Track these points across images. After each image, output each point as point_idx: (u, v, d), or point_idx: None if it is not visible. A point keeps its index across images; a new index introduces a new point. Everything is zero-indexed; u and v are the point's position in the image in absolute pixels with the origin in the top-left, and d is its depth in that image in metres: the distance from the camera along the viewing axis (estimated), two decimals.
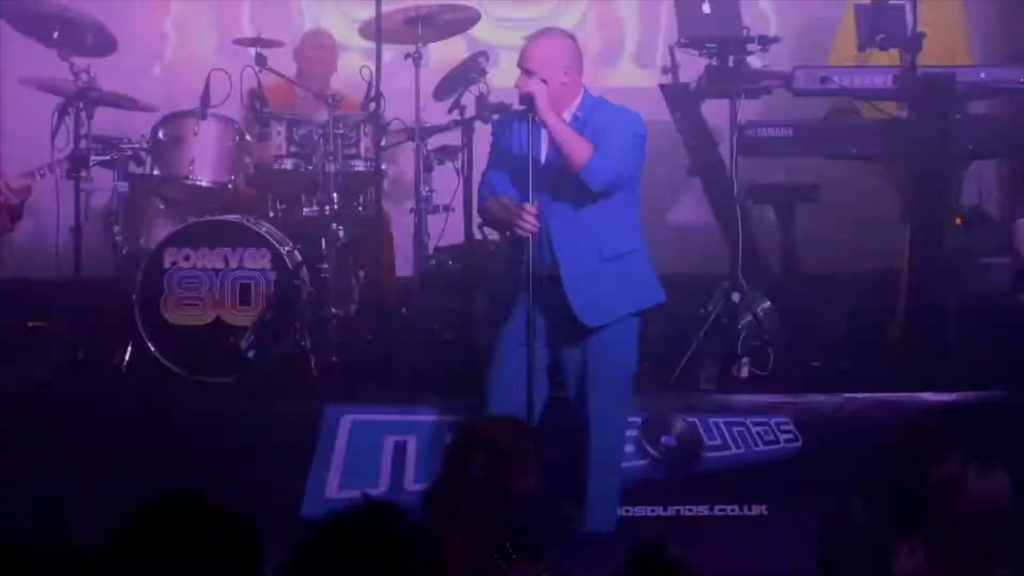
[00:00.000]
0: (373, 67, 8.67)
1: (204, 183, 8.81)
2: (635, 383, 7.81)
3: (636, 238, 7.72)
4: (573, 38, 7.90)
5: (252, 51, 8.96)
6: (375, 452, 8.16)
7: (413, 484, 8.19)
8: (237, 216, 8.74)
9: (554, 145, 7.64)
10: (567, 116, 7.60)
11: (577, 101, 7.61)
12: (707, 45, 8.84)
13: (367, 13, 8.97)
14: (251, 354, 8.51)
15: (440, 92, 8.93)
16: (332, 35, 10.15)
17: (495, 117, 8.56)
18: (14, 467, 8.22)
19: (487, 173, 7.87)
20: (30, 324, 9.36)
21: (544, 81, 7.55)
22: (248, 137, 8.93)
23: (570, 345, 7.60)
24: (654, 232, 8.24)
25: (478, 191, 8.02)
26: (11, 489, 8.14)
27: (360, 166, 8.84)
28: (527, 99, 7.39)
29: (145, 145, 8.77)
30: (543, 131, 7.61)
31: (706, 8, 8.87)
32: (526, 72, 7.56)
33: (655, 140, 8.29)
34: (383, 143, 8.84)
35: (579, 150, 7.48)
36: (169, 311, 8.51)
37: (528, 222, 7.36)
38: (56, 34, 8.80)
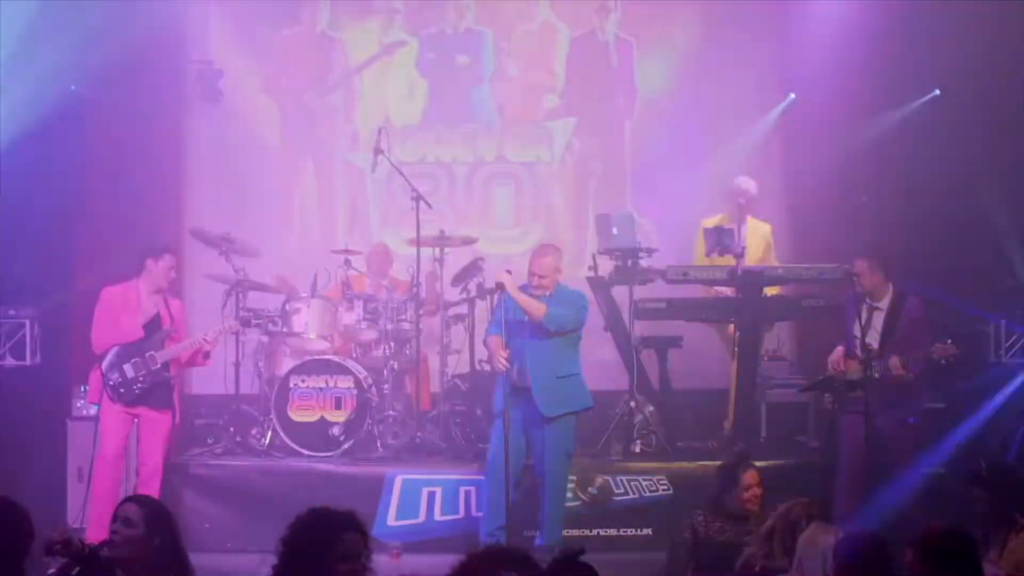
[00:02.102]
0: (415, 267, 9.58)
1: (313, 337, 9.65)
2: (572, 454, 8.51)
3: (577, 366, 8.48)
4: (559, 251, 8.67)
5: (343, 257, 9.92)
6: (416, 497, 8.90)
7: (440, 517, 8.83)
8: (333, 356, 9.61)
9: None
10: (548, 294, 8.29)
11: (554, 286, 8.42)
12: (615, 253, 9.55)
13: (411, 233, 9.68)
14: (342, 439, 9.30)
15: (455, 281, 9.86)
16: (388, 246, 10.80)
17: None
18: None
19: (491, 324, 8.60)
20: (209, 422, 9.93)
21: (541, 276, 8.20)
22: (340, 309, 9.70)
23: (535, 429, 8.35)
24: (589, 363, 8.74)
25: (485, 331, 8.70)
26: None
27: (407, 326, 9.66)
28: (499, 286, 8.31)
29: (278, 314, 9.60)
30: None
31: (614, 231, 9.56)
32: (535, 276, 8.34)
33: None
34: (421, 312, 9.64)
35: (537, 310, 8.27)
36: (292, 412, 9.35)
37: (500, 362, 8.22)
38: (224, 247, 9.54)
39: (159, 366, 8.78)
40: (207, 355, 9.07)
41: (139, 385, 8.75)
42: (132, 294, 8.90)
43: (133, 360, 8.75)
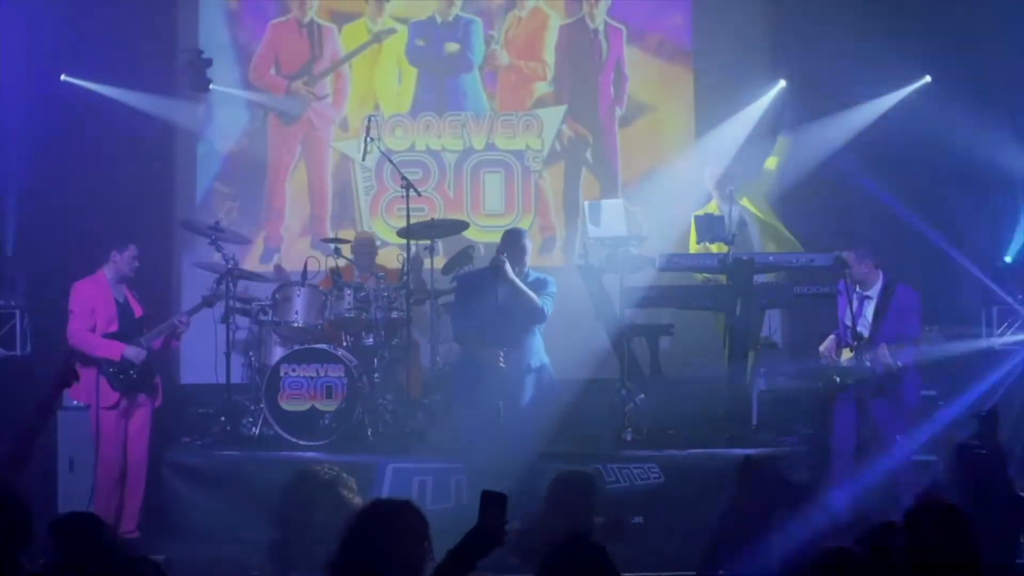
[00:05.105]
0: (405, 255, 9.68)
1: (303, 325, 9.73)
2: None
3: (544, 355, 8.82)
4: (528, 237, 9.13)
5: (331, 246, 10.01)
6: (407, 486, 8.87)
7: (430, 505, 8.52)
8: (324, 344, 9.66)
9: (509, 293, 8.60)
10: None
11: (526, 270, 8.86)
12: (606, 240, 9.70)
13: (401, 222, 9.81)
14: (333, 428, 9.37)
15: (446, 269, 9.95)
16: (373, 236, 11.01)
17: (460, 271, 9.20)
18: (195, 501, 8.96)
19: (459, 313, 8.78)
20: (200, 411, 10.15)
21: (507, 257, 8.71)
22: (330, 297, 9.72)
23: (512, 417, 8.63)
24: (579, 351, 9.00)
25: (454, 322, 8.94)
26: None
27: (397, 314, 9.71)
28: (498, 268, 8.58)
29: (268, 303, 9.78)
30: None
31: (605, 218, 9.74)
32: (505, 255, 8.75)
33: (578, 298, 9.35)
34: (412, 301, 9.69)
35: (534, 295, 8.62)
36: (283, 401, 9.43)
37: (499, 363, 8.57)
38: (213, 236, 9.65)
39: (152, 351, 8.98)
40: (178, 337, 9.27)
41: (135, 370, 8.94)
42: (102, 285, 9.10)
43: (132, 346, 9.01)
